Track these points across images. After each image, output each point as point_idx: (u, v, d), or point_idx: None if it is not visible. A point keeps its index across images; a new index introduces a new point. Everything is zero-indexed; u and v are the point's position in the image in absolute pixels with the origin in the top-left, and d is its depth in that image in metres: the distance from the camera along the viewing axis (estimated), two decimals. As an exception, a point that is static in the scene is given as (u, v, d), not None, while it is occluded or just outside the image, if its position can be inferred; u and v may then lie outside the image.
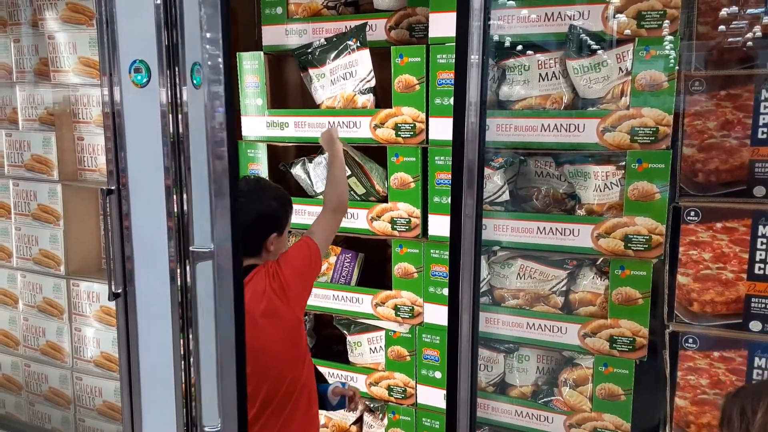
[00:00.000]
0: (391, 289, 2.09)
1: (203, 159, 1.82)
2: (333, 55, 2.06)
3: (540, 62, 1.80)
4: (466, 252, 1.61)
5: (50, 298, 2.77)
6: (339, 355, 2.41)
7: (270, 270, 1.64)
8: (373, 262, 2.34)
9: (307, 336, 1.73)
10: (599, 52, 1.74)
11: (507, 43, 1.86)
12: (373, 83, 2.04)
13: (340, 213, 1.83)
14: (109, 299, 2.07)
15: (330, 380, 2.25)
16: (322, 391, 1.80)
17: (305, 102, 2.38)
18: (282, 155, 2.35)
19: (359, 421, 2.30)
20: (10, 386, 3.00)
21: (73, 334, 2.74)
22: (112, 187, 2.08)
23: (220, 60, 1.48)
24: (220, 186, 1.66)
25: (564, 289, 1.91)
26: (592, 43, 1.74)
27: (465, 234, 1.62)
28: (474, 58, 1.53)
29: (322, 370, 2.26)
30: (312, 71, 2.13)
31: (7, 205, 2.82)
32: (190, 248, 1.82)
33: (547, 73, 1.80)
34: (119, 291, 2.08)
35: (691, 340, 1.72)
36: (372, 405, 2.25)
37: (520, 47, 1.83)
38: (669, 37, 1.65)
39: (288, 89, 2.42)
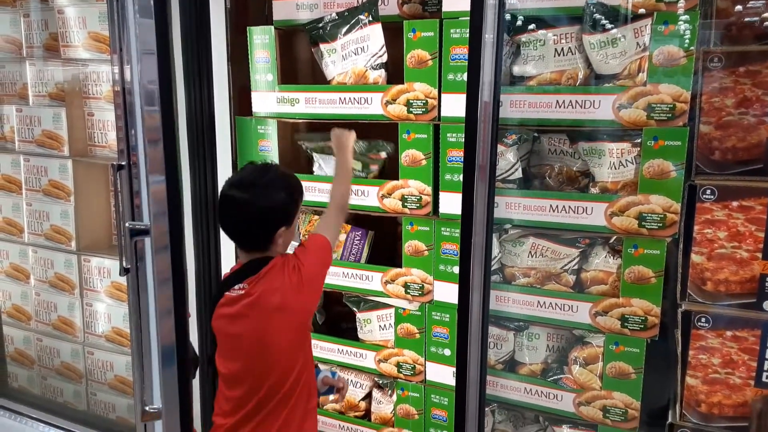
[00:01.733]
0: (401, 266, 2.09)
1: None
2: (344, 30, 2.04)
3: (555, 37, 1.77)
4: (477, 231, 1.60)
5: (62, 274, 2.79)
6: (348, 332, 2.42)
7: (289, 263, 1.61)
8: (383, 240, 2.33)
9: (311, 324, 1.72)
10: (616, 27, 1.71)
11: (522, 18, 1.82)
12: (384, 58, 2.02)
13: (344, 213, 1.80)
14: (120, 274, 2.10)
15: (335, 359, 2.26)
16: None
17: (315, 78, 2.36)
18: (292, 131, 2.33)
19: (368, 397, 2.32)
20: (22, 360, 3.03)
21: (84, 310, 2.77)
22: (123, 163, 2.09)
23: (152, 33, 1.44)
24: (155, 163, 1.62)
25: (576, 267, 1.90)
26: (609, 17, 1.71)
27: (477, 213, 1.61)
28: (489, 37, 1.51)
29: (332, 346, 2.28)
30: (323, 46, 2.11)
31: (18, 181, 2.83)
32: (126, 224, 1.84)
33: (562, 49, 1.77)
34: (129, 266, 2.10)
35: (703, 320, 1.71)
36: (381, 381, 2.26)
37: (535, 22, 1.80)
38: (687, 13, 1.62)
39: (298, 65, 2.39)
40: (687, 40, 1.62)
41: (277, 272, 1.59)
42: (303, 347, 1.66)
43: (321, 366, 2.38)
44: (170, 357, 1.84)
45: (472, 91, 1.56)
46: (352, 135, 1.86)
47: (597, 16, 1.72)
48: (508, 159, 1.86)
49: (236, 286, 1.61)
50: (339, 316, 2.52)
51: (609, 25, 1.71)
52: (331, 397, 1.91)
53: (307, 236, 2.31)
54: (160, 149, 1.60)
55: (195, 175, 2.07)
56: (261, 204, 1.58)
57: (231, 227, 1.65)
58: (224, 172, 2.16)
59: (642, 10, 1.69)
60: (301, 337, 1.65)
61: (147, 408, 1.87)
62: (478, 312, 1.65)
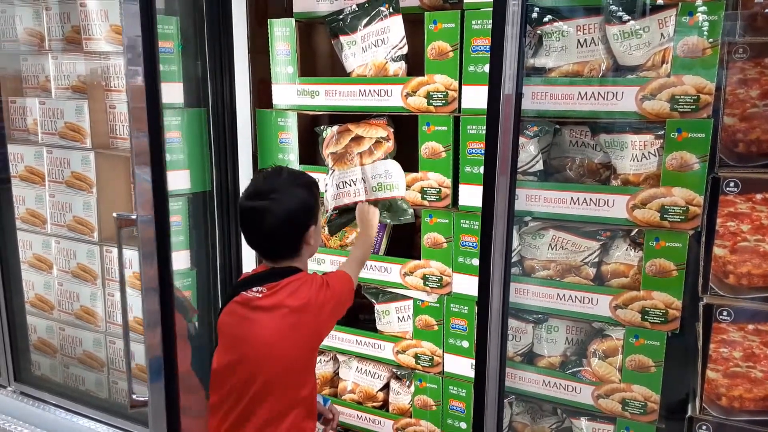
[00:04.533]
0: (419, 259, 2.09)
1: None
2: (365, 22, 2.04)
3: (579, 27, 1.76)
4: (498, 224, 1.60)
5: (84, 264, 2.83)
6: (365, 323, 2.43)
7: (317, 281, 1.62)
8: (400, 232, 2.34)
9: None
10: (640, 17, 1.69)
11: (544, 9, 1.81)
12: (405, 50, 2.02)
13: (361, 266, 1.91)
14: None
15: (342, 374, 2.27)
16: None
17: (334, 70, 2.36)
18: (312, 124, 2.34)
19: (386, 388, 2.33)
20: (45, 349, 3.08)
21: (106, 299, 2.81)
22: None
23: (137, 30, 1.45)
24: (141, 155, 1.61)
25: (596, 260, 1.89)
26: (632, 8, 1.69)
27: (498, 206, 1.61)
28: (511, 29, 1.50)
29: (350, 337, 2.29)
30: (343, 38, 2.11)
31: (41, 173, 2.87)
32: (114, 214, 1.83)
33: (585, 39, 1.76)
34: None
35: (725, 313, 1.69)
36: (399, 372, 2.27)
37: (557, 13, 1.79)
38: (712, 3, 1.60)
39: (317, 57, 2.40)
40: (711, 31, 1.61)
41: (303, 286, 1.59)
42: (308, 370, 1.65)
43: (340, 357, 2.40)
44: (158, 366, 1.85)
45: (494, 83, 1.55)
46: (376, 213, 2.01)
47: (621, 5, 1.71)
48: (530, 151, 1.85)
49: (255, 288, 1.59)
50: (357, 308, 2.52)
51: (634, 14, 1.70)
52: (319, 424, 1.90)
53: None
54: (145, 143, 1.59)
55: (219, 169, 2.08)
56: (286, 206, 1.55)
57: (258, 239, 1.63)
58: (245, 165, 2.18)
59: (661, 1, 1.68)
60: (307, 359, 1.64)
61: (134, 396, 1.92)
62: (498, 305, 1.66)
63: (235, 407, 1.61)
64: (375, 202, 2.08)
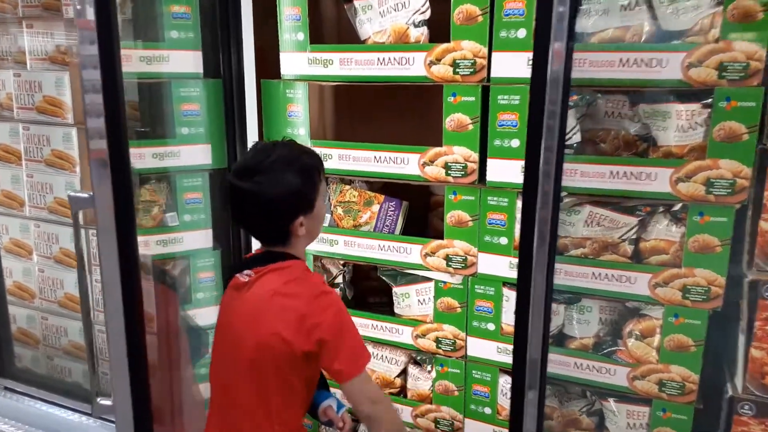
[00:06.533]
0: (433, 237, 1.98)
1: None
2: (383, -15, 1.89)
3: (623, -11, 1.65)
4: (544, 200, 1.48)
5: (68, 249, 2.64)
6: (375, 306, 2.34)
7: (312, 285, 1.46)
8: (414, 211, 2.23)
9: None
10: (690, -22, 1.59)
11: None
12: (428, 15, 1.88)
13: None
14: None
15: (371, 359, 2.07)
16: (317, 401, 1.66)
17: (341, 38, 2.22)
18: (323, 95, 2.19)
19: (403, 374, 2.23)
20: (26, 340, 2.89)
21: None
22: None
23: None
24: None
25: (634, 237, 1.81)
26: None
27: (541, 182, 1.49)
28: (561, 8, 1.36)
29: (366, 322, 2.18)
30: (357, 3, 1.96)
31: (17, 151, 2.65)
32: (69, 193, 1.59)
33: (629, 2, 1.65)
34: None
35: (772, 289, 1.63)
36: (418, 357, 2.17)
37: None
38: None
39: (323, 24, 2.24)
40: (764, -7, 1.51)
41: (294, 281, 1.44)
42: (286, 375, 1.46)
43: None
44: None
45: (540, 46, 1.43)
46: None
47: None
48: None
49: (245, 271, 1.48)
50: (367, 291, 2.42)
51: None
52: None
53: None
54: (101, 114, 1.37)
55: (229, 144, 1.92)
56: (268, 193, 1.39)
57: (242, 221, 1.50)
58: (252, 140, 2.02)
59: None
60: (282, 360, 1.44)
61: (99, 400, 1.73)
62: (541, 289, 1.54)
63: (217, 396, 1.53)
64: None
